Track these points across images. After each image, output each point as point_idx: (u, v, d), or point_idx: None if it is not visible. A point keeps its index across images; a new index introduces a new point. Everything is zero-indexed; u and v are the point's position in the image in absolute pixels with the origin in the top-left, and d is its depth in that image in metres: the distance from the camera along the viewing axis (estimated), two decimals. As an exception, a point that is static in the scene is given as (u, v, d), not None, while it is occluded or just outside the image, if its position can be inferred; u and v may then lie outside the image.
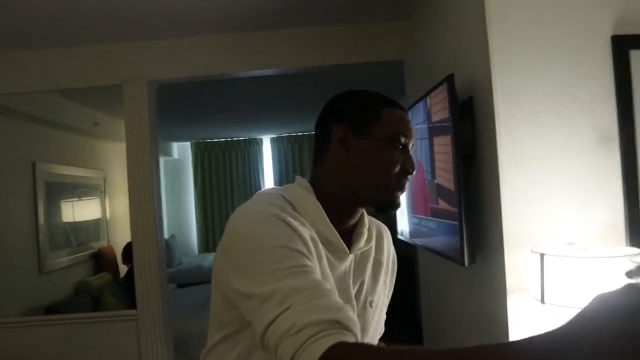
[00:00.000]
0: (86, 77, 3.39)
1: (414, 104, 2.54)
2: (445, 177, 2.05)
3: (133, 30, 3.16)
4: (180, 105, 5.14)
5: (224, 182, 8.26)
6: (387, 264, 1.15)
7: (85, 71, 3.37)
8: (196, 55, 3.37)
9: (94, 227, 5.66)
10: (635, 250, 1.63)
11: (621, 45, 1.84)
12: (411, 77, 3.28)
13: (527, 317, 1.79)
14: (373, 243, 1.10)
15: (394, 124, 1.00)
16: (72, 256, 5.07)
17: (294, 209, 0.96)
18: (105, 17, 2.90)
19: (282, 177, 8.19)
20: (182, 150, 8.34)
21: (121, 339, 3.30)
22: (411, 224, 2.84)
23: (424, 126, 2.34)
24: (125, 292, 5.06)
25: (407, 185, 1.00)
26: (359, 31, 3.32)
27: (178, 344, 3.66)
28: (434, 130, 2.20)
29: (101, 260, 5.60)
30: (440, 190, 2.15)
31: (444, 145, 2.05)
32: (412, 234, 2.83)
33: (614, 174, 1.84)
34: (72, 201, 5.19)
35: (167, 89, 3.60)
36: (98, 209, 5.80)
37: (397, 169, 0.98)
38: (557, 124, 1.82)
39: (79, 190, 5.34)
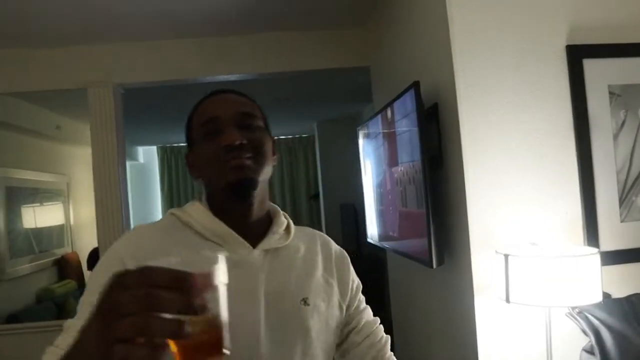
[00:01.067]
0: (50, 79, 3.33)
1: (380, 111, 2.59)
2: (413, 181, 2.10)
3: (99, 33, 3.13)
4: (146, 109, 5.08)
5: (190, 186, 8.19)
6: (326, 265, 1.12)
7: (49, 74, 3.31)
8: (162, 59, 3.36)
9: (57, 233, 5.54)
10: (592, 249, 1.70)
11: (575, 54, 1.94)
12: (377, 83, 3.34)
13: (494, 316, 1.85)
14: (298, 245, 1.09)
15: (197, 121, 1.03)
16: (34, 263, 4.95)
17: (179, 218, 1.01)
18: (72, 19, 2.86)
19: (250, 181, 8.16)
20: (148, 154, 8.23)
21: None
22: (380, 227, 2.88)
23: (391, 131, 2.39)
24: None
25: (239, 155, 0.96)
26: (324, 37, 3.36)
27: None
28: (400, 136, 2.25)
29: (65, 266, 5.49)
30: (408, 195, 2.20)
31: (411, 150, 2.10)
32: (381, 237, 2.88)
33: (571, 177, 1.92)
34: (33, 206, 5.07)
35: (132, 92, 3.57)
36: (61, 215, 5.68)
37: (218, 152, 0.97)
38: (517, 129, 1.90)
39: (40, 195, 5.22)
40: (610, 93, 1.96)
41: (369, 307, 1.20)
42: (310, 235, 1.16)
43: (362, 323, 1.13)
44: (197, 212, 1.02)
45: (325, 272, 1.11)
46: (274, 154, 1.08)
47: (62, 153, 5.73)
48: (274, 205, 1.11)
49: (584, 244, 1.91)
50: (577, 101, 1.93)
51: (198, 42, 3.34)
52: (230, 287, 0.60)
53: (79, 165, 6.03)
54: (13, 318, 3.98)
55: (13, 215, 4.65)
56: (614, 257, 1.93)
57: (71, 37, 3.16)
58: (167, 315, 0.48)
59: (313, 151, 8.06)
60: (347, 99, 5.69)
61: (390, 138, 2.43)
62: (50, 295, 4.87)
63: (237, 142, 0.96)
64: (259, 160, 0.99)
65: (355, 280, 1.18)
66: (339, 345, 1.11)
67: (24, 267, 4.74)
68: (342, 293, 1.12)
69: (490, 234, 1.87)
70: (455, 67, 1.88)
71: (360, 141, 3.23)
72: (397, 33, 2.68)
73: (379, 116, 2.60)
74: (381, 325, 1.18)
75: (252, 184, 0.98)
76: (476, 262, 1.86)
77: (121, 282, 0.50)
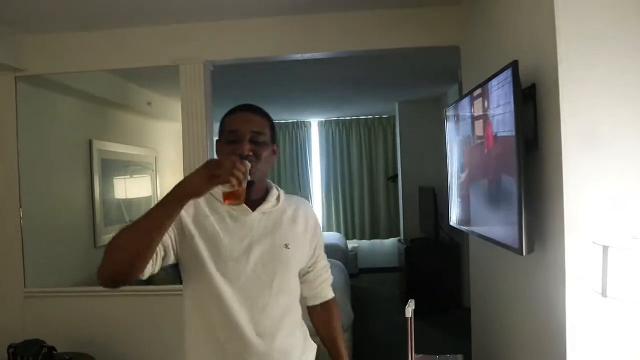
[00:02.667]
0: (143, 57, 3.47)
1: (471, 91, 2.49)
2: (506, 164, 2.02)
3: (188, 12, 3.21)
4: (232, 86, 5.20)
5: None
6: (305, 224, 1.65)
7: (142, 52, 3.45)
8: (250, 37, 3.40)
9: (145, 204, 5.82)
10: None
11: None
12: (467, 63, 3.22)
13: (587, 310, 1.75)
14: (286, 208, 1.61)
15: (226, 126, 1.54)
16: (125, 231, 5.22)
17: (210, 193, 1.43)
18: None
19: (329, 161, 8.20)
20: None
21: (175, 312, 3.38)
22: (463, 211, 2.81)
23: (484, 113, 2.30)
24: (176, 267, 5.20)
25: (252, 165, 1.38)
26: (414, 15, 3.26)
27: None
28: (495, 117, 2.16)
29: (152, 236, 5.75)
30: (500, 178, 2.12)
31: (505, 133, 2.01)
32: (464, 221, 2.80)
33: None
34: (124, 178, 5.34)
35: (220, 69, 3.65)
36: (149, 186, 5.95)
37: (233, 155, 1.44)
38: (622, 112, 1.76)
39: (131, 167, 5.49)
40: None
41: (325, 256, 1.78)
42: (297, 202, 1.68)
43: (317, 264, 1.73)
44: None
45: (304, 228, 1.65)
46: (274, 153, 1.59)
47: (151, 128, 5.98)
48: (271, 182, 1.64)
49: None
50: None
51: (285, 20, 3.35)
52: (235, 233, 1.50)
53: (167, 139, 6.29)
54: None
55: (107, 186, 4.93)
56: None
57: (162, 17, 3.26)
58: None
59: (393, 132, 7.96)
60: (430, 80, 5.56)
61: (482, 119, 2.34)
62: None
63: (246, 153, 1.47)
64: (257, 166, 1.49)
65: (321, 239, 1.74)
66: (302, 275, 1.71)
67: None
68: (312, 245, 1.68)
69: (587, 224, 1.75)
70: (559, 46, 1.76)
71: (447, 122, 3.14)
72: (492, 11, 2.56)
73: (469, 97, 2.51)
74: (328, 270, 1.79)
75: (250, 182, 1.39)
76: (570, 251, 1.76)
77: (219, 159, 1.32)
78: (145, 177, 5.86)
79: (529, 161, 2.00)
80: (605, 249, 1.58)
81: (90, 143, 4.62)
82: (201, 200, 1.50)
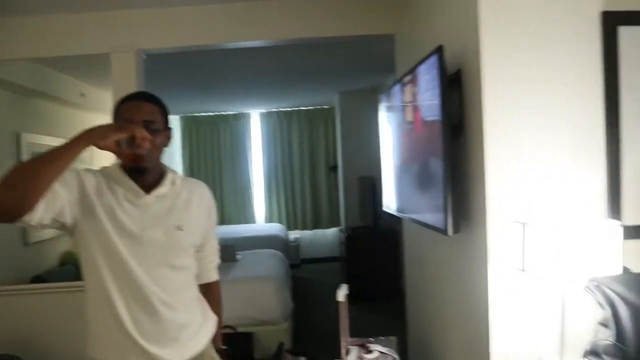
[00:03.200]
0: (73, 45, 3.32)
1: (401, 78, 2.55)
2: (433, 149, 2.07)
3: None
4: (169, 77, 5.09)
5: (211, 157, 8.22)
6: (199, 207, 1.74)
7: (71, 39, 3.30)
8: (185, 25, 3.32)
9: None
10: (614, 221, 1.67)
11: (610, 21, 1.86)
12: (401, 51, 3.28)
13: (507, 286, 1.84)
14: (181, 192, 1.69)
15: (118, 117, 1.60)
16: (58, 227, 5.04)
17: (103, 171, 1.63)
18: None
19: (270, 152, 8.17)
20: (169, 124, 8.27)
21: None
22: (398, 197, 2.87)
23: (414, 99, 2.36)
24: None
25: (138, 157, 1.52)
26: (350, 3, 3.29)
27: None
28: (422, 104, 2.22)
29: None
30: (427, 163, 2.18)
31: (432, 118, 2.07)
32: (399, 207, 2.87)
33: (597, 149, 1.88)
34: (57, 172, 5.13)
35: (156, 59, 3.56)
36: (84, 180, 5.75)
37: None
38: (542, 99, 1.85)
39: (65, 161, 5.27)
40: (645, 64, 1.89)
41: (216, 240, 1.88)
42: (193, 186, 1.77)
43: (207, 245, 1.82)
44: (114, 171, 1.62)
45: (198, 210, 1.73)
46: (167, 138, 1.66)
47: (86, 120, 5.76)
48: (167, 167, 1.70)
49: (607, 217, 1.87)
50: (609, 71, 1.87)
51: (222, 8, 3.30)
52: (131, 214, 1.57)
53: (102, 131, 6.09)
54: (38, 279, 4.08)
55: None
56: (636, 232, 1.89)
57: (95, 2, 3.15)
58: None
59: (333, 123, 8.02)
60: (369, 70, 5.62)
61: (412, 106, 2.39)
62: (72, 258, 4.98)
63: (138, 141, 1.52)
64: (151, 152, 1.55)
65: (214, 222, 1.84)
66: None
67: (48, 231, 4.83)
68: (205, 226, 1.77)
69: (509, 204, 1.84)
70: (481, 33, 1.83)
71: (381, 110, 3.20)
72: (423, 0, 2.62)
73: (400, 84, 2.57)
74: (217, 253, 1.91)
75: (143, 168, 1.58)
76: (492, 230, 1.84)
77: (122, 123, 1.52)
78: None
79: (455, 145, 2.07)
80: (523, 226, 1.66)
81: (18, 137, 4.41)
82: (101, 180, 1.59)
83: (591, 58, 1.87)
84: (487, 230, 1.84)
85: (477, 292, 1.95)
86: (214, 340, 1.84)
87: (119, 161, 1.62)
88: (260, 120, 8.25)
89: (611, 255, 1.60)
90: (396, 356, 2.38)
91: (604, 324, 1.74)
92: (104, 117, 5.83)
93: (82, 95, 5.21)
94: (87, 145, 1.40)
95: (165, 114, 1.67)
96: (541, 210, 1.84)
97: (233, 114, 8.21)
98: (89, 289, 1.61)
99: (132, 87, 3.26)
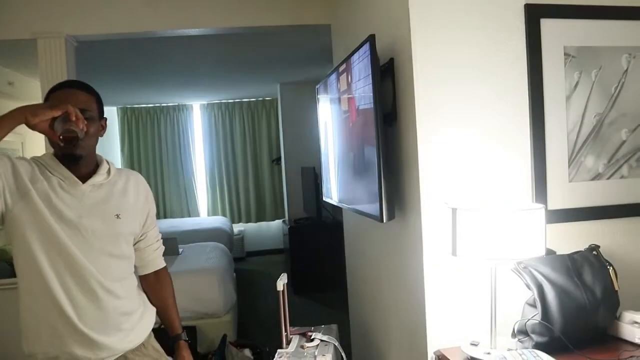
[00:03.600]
0: (-3, 30, 3.16)
1: (336, 68, 2.56)
2: (368, 138, 2.09)
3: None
4: (103, 66, 4.92)
5: (152, 149, 8.03)
6: (138, 193, 1.75)
7: (-5, 23, 3.14)
8: (118, 11, 3.20)
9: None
10: (537, 205, 1.74)
11: (533, 13, 1.94)
12: (337, 41, 3.30)
13: (441, 270, 1.89)
14: (117, 181, 1.69)
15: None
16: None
17: (35, 160, 1.59)
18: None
19: (213, 145, 8.05)
20: (107, 116, 7.99)
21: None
22: (337, 186, 2.89)
23: (348, 88, 2.37)
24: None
25: (72, 140, 1.47)
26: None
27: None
28: (356, 93, 2.23)
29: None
30: (363, 151, 2.20)
31: (366, 106, 2.09)
32: (337, 196, 2.88)
33: (523, 136, 1.95)
34: (-15, 166, 4.88)
35: (89, 47, 3.43)
36: (14, 175, 5.49)
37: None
38: (471, 86, 1.91)
39: (-7, 154, 5.02)
40: (566, 54, 1.98)
41: (157, 227, 1.87)
42: (127, 175, 1.76)
43: (149, 233, 1.81)
44: (49, 160, 1.59)
45: (135, 198, 1.72)
46: (102, 128, 1.69)
47: (15, 110, 5.51)
48: (102, 157, 1.70)
49: (533, 202, 1.95)
50: (533, 61, 1.94)
51: (155, -6, 3.21)
52: (66, 202, 1.54)
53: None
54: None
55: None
56: (560, 216, 1.98)
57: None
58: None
59: (276, 114, 7.98)
60: (310, 61, 5.62)
61: (346, 95, 2.41)
62: (4, 256, 4.75)
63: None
64: (86, 140, 1.54)
65: (152, 209, 1.82)
66: (134, 244, 1.76)
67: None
68: (143, 214, 1.76)
69: (441, 190, 1.89)
70: (412, 22, 1.86)
71: (319, 99, 3.20)
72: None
73: (335, 73, 2.57)
74: (160, 240, 1.88)
75: (78, 156, 1.56)
76: (426, 216, 1.88)
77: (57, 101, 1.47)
78: (10, 165, 5.40)
79: (389, 133, 2.10)
80: (454, 210, 1.70)
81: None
82: (35, 168, 1.55)
83: (517, 47, 1.94)
84: (421, 216, 1.88)
85: (413, 278, 1.99)
86: (175, 329, 1.87)
87: (53, 151, 1.60)
88: (202, 112, 8.12)
89: (536, 238, 1.66)
90: (336, 343, 2.40)
91: (532, 304, 1.81)
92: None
93: (10, 84, 4.95)
94: (18, 122, 1.39)
95: (99, 102, 1.67)
96: (472, 195, 1.90)
97: (174, 106, 8.04)
98: (24, 279, 1.57)
99: (62, 75, 3.12)
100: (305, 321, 2.69)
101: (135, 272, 1.80)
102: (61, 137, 1.43)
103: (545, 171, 1.97)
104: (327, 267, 5.76)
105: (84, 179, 1.60)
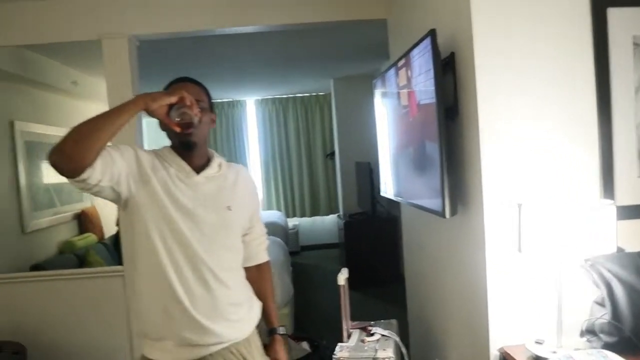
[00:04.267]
0: (63, 31, 3.28)
1: (395, 63, 2.55)
2: (429, 133, 2.08)
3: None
4: (162, 64, 5.06)
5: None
6: (246, 188, 1.82)
7: (62, 25, 3.27)
8: (179, 10, 3.29)
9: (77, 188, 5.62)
10: (608, 201, 1.69)
11: (599, 2, 1.87)
12: (394, 36, 3.28)
13: (505, 267, 1.86)
14: (227, 174, 1.75)
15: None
16: (56, 216, 5.05)
17: (154, 152, 1.70)
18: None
19: (267, 140, 8.16)
20: (164, 112, 8.24)
21: (108, 294, 3.35)
22: (395, 181, 2.88)
23: (408, 83, 2.36)
24: (111, 251, 5.10)
25: (187, 125, 1.55)
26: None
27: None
28: (416, 87, 2.22)
29: (85, 220, 5.60)
30: (424, 146, 2.19)
31: (427, 101, 2.07)
32: (396, 191, 2.88)
33: (590, 130, 1.89)
34: (53, 162, 5.13)
35: (149, 46, 3.54)
36: (81, 170, 5.74)
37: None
38: (535, 79, 1.86)
39: (60, 151, 5.27)
40: (635, 44, 1.90)
41: (261, 220, 1.93)
42: (237, 169, 1.82)
43: (254, 227, 1.87)
44: (167, 153, 1.70)
45: (243, 192, 1.79)
46: (213, 121, 1.75)
47: (80, 108, 5.75)
48: (213, 151, 1.78)
49: (600, 198, 1.89)
50: (599, 52, 1.87)
51: (214, -7, 3.29)
52: (183, 192, 1.63)
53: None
54: (37, 268, 4.09)
55: (34, 169, 4.72)
56: (629, 212, 1.90)
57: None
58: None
59: (329, 109, 8.01)
60: (363, 56, 5.61)
61: (406, 90, 2.40)
62: (71, 247, 4.99)
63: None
64: (199, 127, 1.62)
65: (258, 203, 1.91)
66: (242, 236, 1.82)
67: (45, 220, 4.84)
68: (250, 208, 1.82)
69: (505, 186, 1.85)
70: (473, 15, 1.83)
71: (376, 94, 3.20)
72: (415, -17, 2.62)
73: (394, 68, 2.57)
74: (265, 234, 1.94)
75: (192, 143, 1.65)
76: (489, 212, 1.85)
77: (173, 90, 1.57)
78: (76, 161, 5.65)
79: (451, 127, 2.08)
80: (519, 207, 1.68)
81: (12, 124, 4.40)
82: (154, 158, 1.66)
83: (582, 39, 1.87)
84: (484, 211, 1.85)
85: (476, 274, 1.97)
86: (272, 323, 1.93)
87: (169, 144, 1.72)
88: (256, 108, 8.24)
89: (605, 235, 1.62)
90: (397, 338, 2.41)
91: (600, 303, 1.76)
92: (98, 106, 5.84)
93: (73, 83, 5.17)
94: (140, 107, 1.47)
95: (209, 97, 1.76)
96: (537, 190, 1.85)
97: (228, 102, 8.19)
98: (142, 263, 1.65)
99: (125, 74, 3.26)
100: (362, 315, 2.71)
101: None
102: (178, 121, 1.52)
103: (613, 166, 1.90)
104: (382, 262, 5.77)
105: (197, 170, 1.68)
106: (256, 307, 1.83)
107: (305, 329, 4.47)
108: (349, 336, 2.40)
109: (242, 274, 1.80)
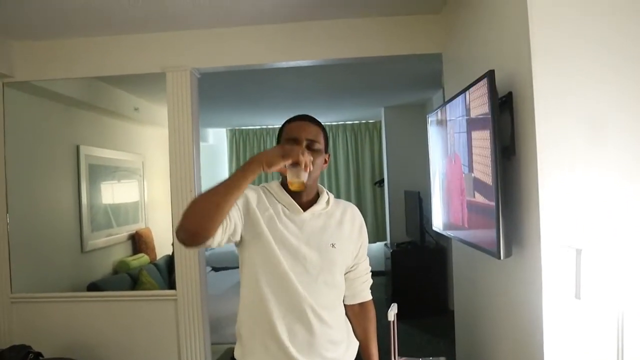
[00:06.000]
0: (131, 64, 3.51)
1: (452, 98, 2.56)
2: (483, 170, 2.08)
3: (176, 20, 3.25)
4: (218, 92, 5.23)
5: (258, 170, 8.34)
6: (353, 225, 1.78)
7: (130, 59, 3.49)
8: (236, 45, 3.45)
9: (132, 209, 5.83)
10: (673, 248, 1.63)
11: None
12: (449, 70, 3.28)
13: (562, 313, 1.81)
14: (334, 211, 1.75)
15: (286, 133, 1.71)
16: (112, 237, 5.24)
17: (263, 186, 1.73)
18: (150, 6, 2.99)
19: (316, 166, 8.23)
20: (217, 137, 8.44)
21: (160, 317, 3.44)
22: (446, 216, 2.87)
23: (463, 120, 2.36)
24: (162, 272, 5.23)
25: (300, 185, 1.56)
26: (397, 23, 3.33)
27: (212, 324, 3.78)
28: (473, 125, 2.22)
29: (139, 241, 5.77)
30: (478, 184, 2.18)
31: (482, 140, 2.07)
32: (447, 225, 2.86)
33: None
34: (112, 183, 5.36)
35: (208, 76, 3.69)
36: (137, 192, 5.95)
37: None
38: (596, 119, 1.82)
39: (119, 173, 5.50)
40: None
41: (368, 259, 1.87)
42: (344, 206, 1.81)
43: (360, 265, 1.83)
44: (276, 189, 1.72)
45: (350, 230, 1.76)
46: (325, 162, 1.75)
47: (138, 133, 5.99)
48: (322, 187, 1.78)
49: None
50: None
51: (271, 29, 3.40)
52: (289, 229, 1.64)
53: (154, 145, 6.30)
54: (93, 286, 4.25)
55: (94, 191, 4.94)
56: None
57: (152, 24, 3.30)
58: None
59: (379, 137, 8.02)
60: (415, 86, 5.63)
61: (462, 126, 2.40)
62: (126, 267, 5.15)
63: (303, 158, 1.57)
64: (311, 171, 1.58)
65: (365, 241, 1.84)
66: (345, 273, 1.79)
67: (103, 240, 5.03)
68: (356, 246, 1.79)
69: (563, 228, 1.81)
70: (533, 55, 1.82)
71: (429, 128, 3.20)
72: (472, 19, 2.63)
73: (450, 104, 2.57)
74: (369, 272, 1.87)
75: (303, 187, 1.60)
76: (546, 255, 1.81)
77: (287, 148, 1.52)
78: (133, 182, 5.87)
79: (507, 167, 2.06)
80: (578, 251, 1.64)
81: (77, 148, 4.63)
82: (262, 195, 1.69)
83: (648, 79, 1.83)
84: (541, 254, 1.82)
85: (531, 319, 1.93)
86: None
87: (279, 180, 1.75)
88: (306, 134, 8.32)
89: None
90: (445, 377, 2.37)
91: (664, 353, 1.69)
92: (157, 130, 6.06)
93: (135, 109, 5.41)
94: (258, 172, 1.49)
95: (326, 137, 1.76)
96: (596, 234, 1.81)
97: (280, 128, 8.30)
98: (246, 297, 1.69)
99: (186, 103, 3.41)
100: (407, 348, 2.68)
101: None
102: (290, 181, 1.56)
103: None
104: (429, 293, 5.68)
105: (305, 206, 1.69)
106: (353, 346, 1.80)
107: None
108: (397, 372, 2.38)
109: (343, 311, 1.78)
